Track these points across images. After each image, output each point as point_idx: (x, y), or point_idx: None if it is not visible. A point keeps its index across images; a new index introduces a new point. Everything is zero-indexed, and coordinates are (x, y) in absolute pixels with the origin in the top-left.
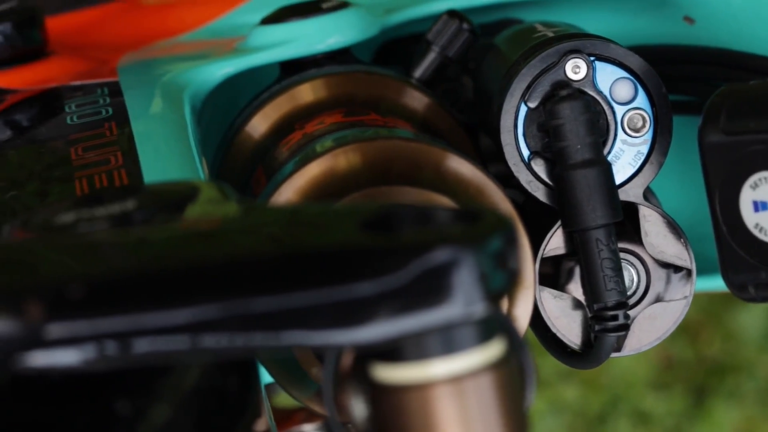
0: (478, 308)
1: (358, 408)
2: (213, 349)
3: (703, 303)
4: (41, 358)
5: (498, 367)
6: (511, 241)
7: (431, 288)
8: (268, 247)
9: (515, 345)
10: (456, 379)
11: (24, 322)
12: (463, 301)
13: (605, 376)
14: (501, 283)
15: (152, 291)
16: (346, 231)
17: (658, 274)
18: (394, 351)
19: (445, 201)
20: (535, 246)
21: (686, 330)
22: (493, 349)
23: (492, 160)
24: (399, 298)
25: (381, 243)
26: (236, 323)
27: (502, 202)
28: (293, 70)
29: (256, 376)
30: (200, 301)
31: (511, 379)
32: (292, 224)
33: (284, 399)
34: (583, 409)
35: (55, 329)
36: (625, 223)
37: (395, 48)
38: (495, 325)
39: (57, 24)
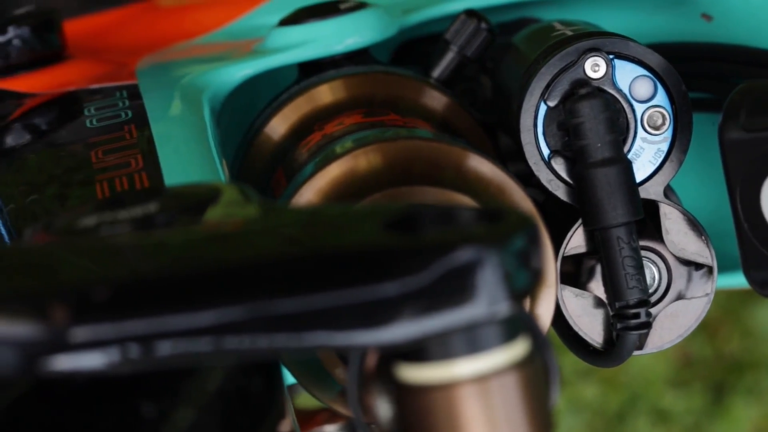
0: (502, 307)
1: (383, 408)
2: (237, 351)
3: (721, 300)
4: (66, 362)
5: (522, 366)
6: (534, 240)
7: (455, 288)
8: (292, 249)
9: (539, 344)
10: (481, 379)
11: (49, 326)
12: (487, 300)
13: (624, 375)
14: (525, 282)
15: (176, 293)
16: (369, 232)
17: (679, 271)
18: (418, 351)
19: (466, 200)
20: (556, 245)
21: (705, 327)
22: (518, 348)
23: (511, 159)
24: (423, 298)
25: (404, 243)
26: (260, 325)
27: (523, 201)
28: (312, 71)
29: (279, 378)
30: (224, 303)
31: (536, 377)
32: (315, 225)
33: (306, 400)
34: (602, 407)
35: (80, 333)
36: (646, 221)
37: (413, 48)
38: (519, 324)
39: (75, 27)
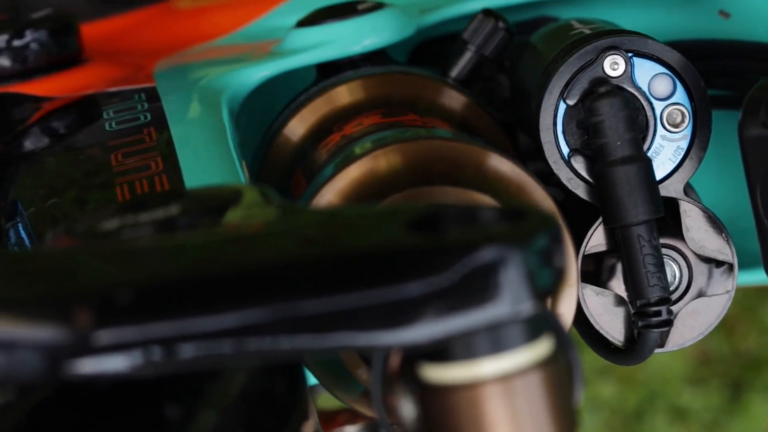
0: (526, 306)
1: (407, 409)
2: (260, 353)
3: (738, 297)
4: (90, 366)
5: (547, 364)
6: (557, 239)
7: (479, 287)
8: (314, 249)
9: (563, 342)
10: (505, 378)
11: (73, 330)
12: (511, 299)
13: (642, 373)
14: (548, 280)
15: (199, 296)
16: (392, 232)
17: (700, 269)
18: (442, 351)
19: (487, 200)
20: (576, 243)
21: (722, 325)
22: (542, 347)
23: (530, 158)
24: (447, 298)
25: (427, 243)
26: (284, 326)
27: (544, 200)
28: (330, 71)
29: (302, 379)
30: (248, 305)
31: (560, 376)
32: (338, 226)
33: (326, 400)
34: (620, 405)
35: (104, 336)
36: (666, 219)
37: (430, 48)
38: (542, 323)
39: (92, 31)
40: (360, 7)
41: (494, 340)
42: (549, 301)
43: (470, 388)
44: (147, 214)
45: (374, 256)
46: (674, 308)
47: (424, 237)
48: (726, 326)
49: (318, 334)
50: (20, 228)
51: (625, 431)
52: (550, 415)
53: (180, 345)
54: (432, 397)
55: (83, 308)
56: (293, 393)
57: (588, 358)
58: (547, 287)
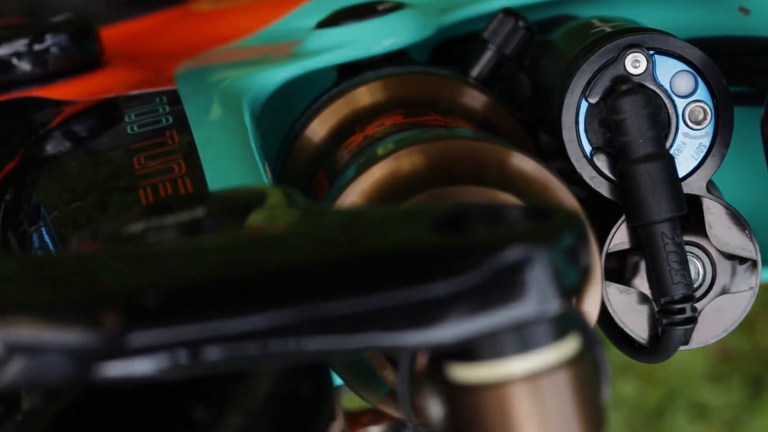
0: (553, 305)
1: (434, 409)
2: (287, 354)
3: (758, 294)
4: (118, 368)
5: (574, 363)
6: (583, 238)
7: (505, 286)
8: (340, 250)
9: (589, 341)
10: (533, 377)
11: (101, 333)
12: (538, 298)
13: (662, 370)
14: (574, 279)
15: (226, 298)
16: (418, 232)
17: (723, 266)
18: (469, 350)
19: (510, 199)
20: (599, 241)
21: (742, 322)
22: (569, 346)
23: (551, 156)
24: (474, 298)
25: (454, 243)
26: (311, 327)
27: (568, 198)
28: (350, 72)
29: (329, 380)
30: (275, 307)
31: (587, 374)
32: (363, 227)
33: (350, 401)
34: (641, 403)
35: (132, 339)
36: (689, 216)
37: (450, 48)
38: (569, 321)
39: (111, 34)
40: (380, 7)
41: (521, 339)
42: (574, 300)
43: (498, 387)
44: (172, 217)
45: (401, 257)
46: (698, 305)
47: (450, 237)
48: (746, 323)
49: (345, 335)
50: (43, 232)
51: (646, 429)
52: (577, 414)
53: (207, 347)
54: (459, 397)
55: (111, 311)
56: (320, 394)
57: (608, 356)
58: (573, 286)
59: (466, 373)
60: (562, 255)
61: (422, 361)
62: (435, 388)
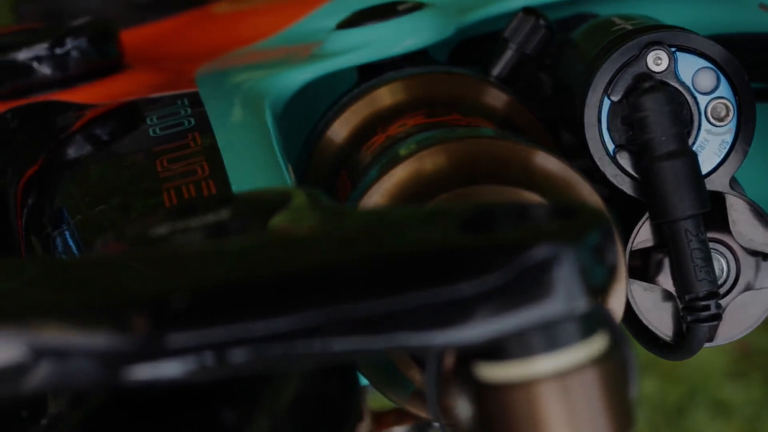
0: (580, 303)
1: (462, 408)
2: (315, 355)
3: None
4: (146, 372)
5: (602, 361)
6: (609, 235)
7: (533, 285)
8: (367, 251)
9: (617, 338)
10: (561, 375)
11: (129, 336)
12: (565, 296)
13: (683, 368)
14: (601, 277)
15: (253, 300)
16: (444, 232)
17: (747, 262)
18: (497, 349)
19: (534, 198)
20: (623, 239)
21: None
22: (597, 344)
23: (573, 155)
24: (501, 297)
25: (481, 242)
26: (338, 328)
27: (591, 196)
28: (371, 73)
29: (356, 380)
30: (302, 308)
31: (615, 372)
32: (389, 227)
33: (373, 400)
34: (662, 401)
35: (160, 342)
36: (712, 213)
37: (470, 47)
38: (596, 319)
39: (132, 37)
40: (400, 7)
41: (549, 337)
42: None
43: (526, 386)
44: (197, 219)
45: (427, 257)
46: (722, 302)
47: (476, 236)
48: (766, 319)
49: (371, 335)
50: (67, 236)
51: (667, 427)
52: (606, 412)
53: (234, 349)
54: (487, 396)
55: (139, 315)
56: (348, 395)
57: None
58: (600, 284)
59: (494, 372)
60: (588, 253)
61: (449, 360)
62: (462, 387)
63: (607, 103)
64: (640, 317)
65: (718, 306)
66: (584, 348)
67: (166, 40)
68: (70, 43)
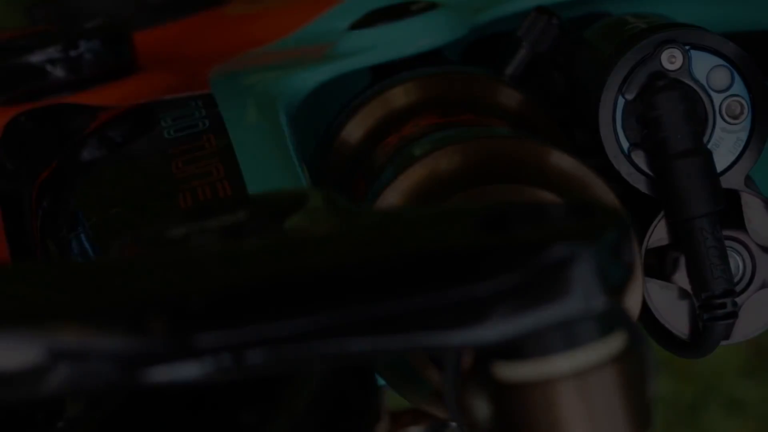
0: (598, 302)
1: (480, 408)
2: (333, 356)
3: None
4: (164, 373)
5: (621, 359)
6: (626, 234)
7: (550, 284)
8: (384, 251)
9: (635, 337)
10: (580, 374)
11: (147, 338)
12: (583, 295)
13: (696, 366)
14: (618, 275)
15: (271, 301)
16: (461, 231)
17: (762, 260)
18: (515, 349)
19: (549, 197)
20: (638, 237)
21: None
22: (615, 342)
23: (586, 154)
24: (519, 296)
25: (498, 242)
26: (356, 328)
27: (607, 195)
28: (384, 73)
29: (374, 381)
30: (319, 308)
31: (634, 371)
32: (405, 227)
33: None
34: (676, 399)
35: (178, 344)
36: (728, 211)
37: (482, 47)
38: (614, 318)
39: (144, 39)
40: (413, 7)
41: (567, 336)
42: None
43: (544, 385)
44: (213, 221)
45: (444, 256)
46: (738, 300)
47: (493, 235)
48: None
49: (389, 335)
50: (83, 238)
51: (681, 425)
52: (625, 410)
53: (253, 350)
54: (506, 396)
55: (156, 316)
56: (366, 395)
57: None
58: (618, 282)
59: (512, 371)
60: (606, 252)
61: (467, 360)
62: (481, 387)
63: (621, 101)
64: (656, 315)
65: (735, 304)
66: (602, 346)
67: (179, 42)
68: (83, 46)
